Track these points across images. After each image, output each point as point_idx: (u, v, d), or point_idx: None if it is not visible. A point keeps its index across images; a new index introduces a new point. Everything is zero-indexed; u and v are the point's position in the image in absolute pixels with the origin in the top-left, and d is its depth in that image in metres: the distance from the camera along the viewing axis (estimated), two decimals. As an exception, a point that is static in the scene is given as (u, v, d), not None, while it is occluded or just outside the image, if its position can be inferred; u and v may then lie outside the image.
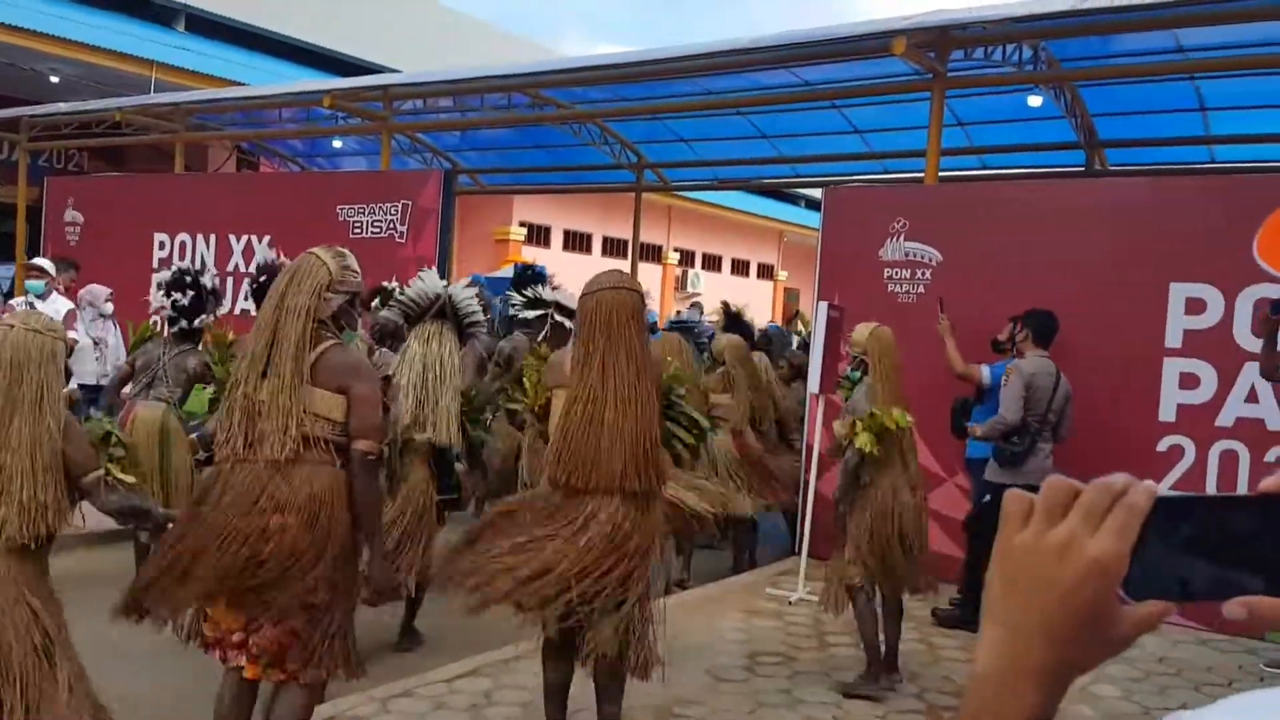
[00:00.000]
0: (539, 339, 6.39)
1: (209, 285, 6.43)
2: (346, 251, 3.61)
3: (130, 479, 3.45)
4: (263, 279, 6.32)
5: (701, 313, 12.02)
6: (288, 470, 3.30)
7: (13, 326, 3.23)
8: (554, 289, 6.90)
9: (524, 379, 4.88)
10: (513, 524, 3.79)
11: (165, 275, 6.43)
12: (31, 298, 8.39)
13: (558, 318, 6.50)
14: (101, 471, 3.33)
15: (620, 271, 4.06)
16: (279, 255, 6.72)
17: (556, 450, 3.73)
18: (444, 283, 6.16)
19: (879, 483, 5.00)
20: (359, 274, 3.60)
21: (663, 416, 3.91)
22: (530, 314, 6.61)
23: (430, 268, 6.62)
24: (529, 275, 7.58)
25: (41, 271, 8.62)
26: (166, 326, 6.44)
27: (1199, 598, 0.70)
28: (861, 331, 5.29)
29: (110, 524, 6.57)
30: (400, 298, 5.79)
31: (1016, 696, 0.69)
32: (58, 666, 3.05)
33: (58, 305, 8.44)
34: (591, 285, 3.89)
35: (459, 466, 6.06)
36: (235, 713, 3.50)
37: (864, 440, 4.97)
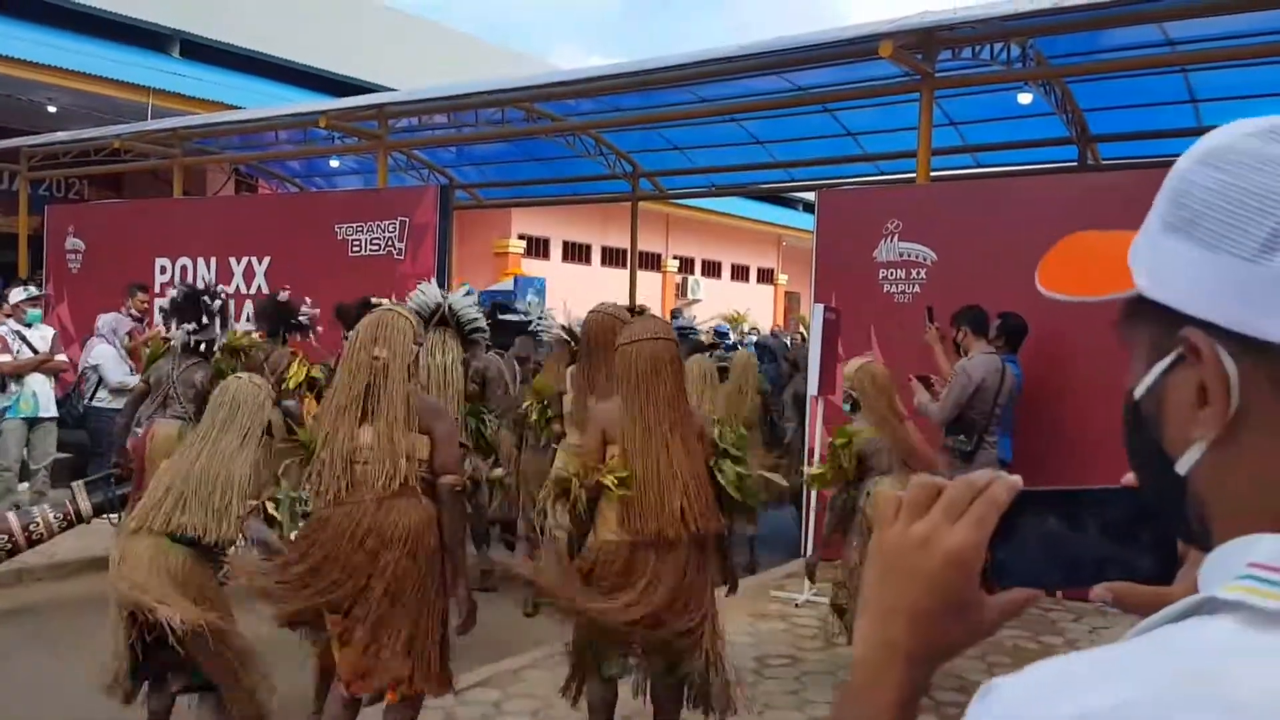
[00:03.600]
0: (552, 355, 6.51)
1: (215, 306, 6.48)
2: (409, 308, 4.06)
3: (279, 518, 4.00)
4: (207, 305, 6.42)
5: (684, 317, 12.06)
6: (388, 507, 3.60)
7: (241, 378, 4.14)
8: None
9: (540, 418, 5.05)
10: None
11: (170, 298, 6.49)
12: (17, 326, 8.41)
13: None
14: (257, 503, 3.88)
15: (655, 318, 4.21)
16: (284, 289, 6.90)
17: (627, 504, 3.78)
18: (442, 293, 6.26)
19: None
20: (421, 324, 4.07)
21: (716, 466, 3.97)
22: (556, 331, 6.72)
23: (430, 280, 6.72)
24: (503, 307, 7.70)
25: (35, 301, 8.70)
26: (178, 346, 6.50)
27: (1065, 585, 0.75)
28: (852, 366, 5.21)
29: (82, 554, 6.67)
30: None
31: (887, 678, 0.74)
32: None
33: (44, 331, 8.63)
34: (626, 336, 3.97)
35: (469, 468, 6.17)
36: None
37: (816, 472, 5.11)
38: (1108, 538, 0.74)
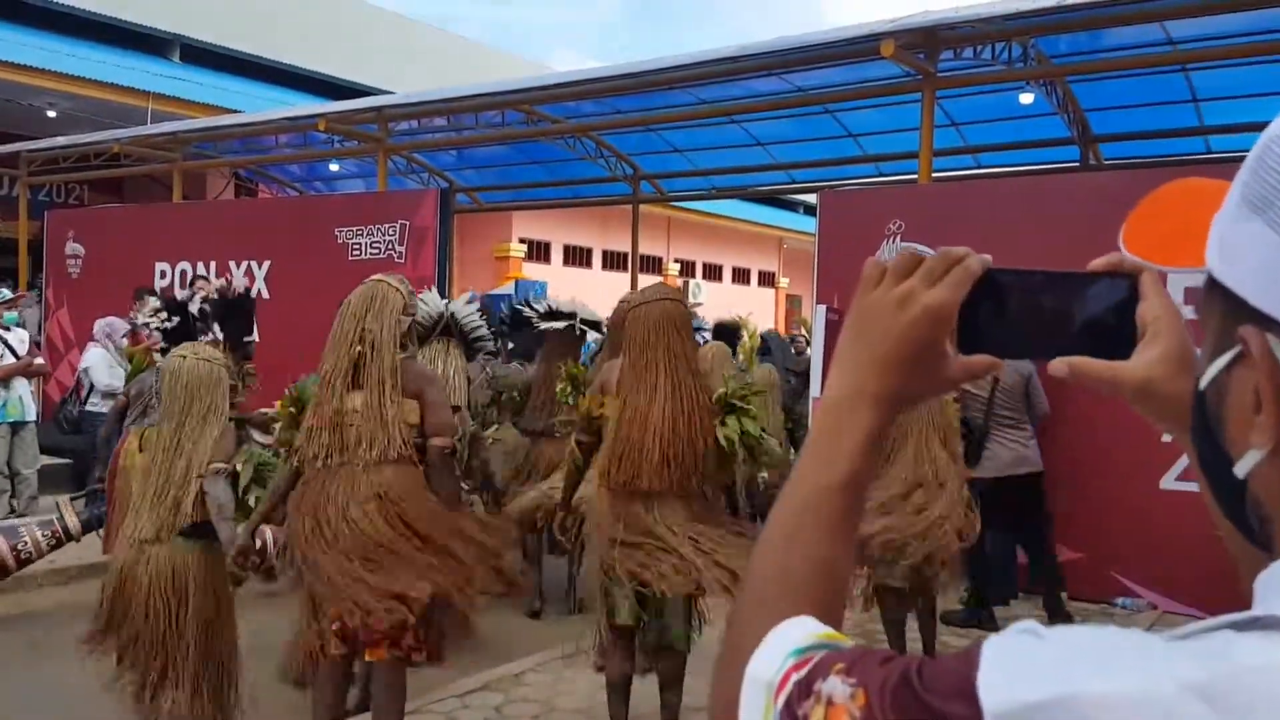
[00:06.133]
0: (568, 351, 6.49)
1: (195, 311, 6.40)
2: (404, 278, 4.01)
3: (241, 475, 4.06)
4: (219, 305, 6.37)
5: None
6: (380, 471, 3.67)
7: (185, 357, 3.88)
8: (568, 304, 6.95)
9: (563, 393, 5.13)
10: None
11: (152, 303, 6.43)
12: None
13: (584, 327, 6.64)
14: (226, 465, 3.86)
15: (664, 284, 4.28)
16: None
17: (609, 453, 3.94)
18: (445, 301, 6.23)
19: (885, 476, 4.82)
20: (415, 295, 4.07)
21: (723, 423, 4.02)
22: (558, 324, 6.66)
23: (430, 288, 6.69)
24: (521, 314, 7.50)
25: (10, 304, 8.66)
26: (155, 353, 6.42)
27: (1025, 355, 0.84)
28: None
29: (82, 561, 6.62)
30: None
31: (857, 416, 0.80)
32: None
33: (20, 334, 8.64)
34: (637, 297, 4.13)
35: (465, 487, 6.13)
36: (334, 697, 3.85)
37: None
38: (1070, 316, 0.80)
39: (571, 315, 6.66)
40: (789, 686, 0.66)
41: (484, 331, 6.44)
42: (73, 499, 5.85)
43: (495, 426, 6.90)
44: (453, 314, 6.22)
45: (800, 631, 0.71)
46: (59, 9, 15.35)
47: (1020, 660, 0.58)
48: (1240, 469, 0.64)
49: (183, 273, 11.03)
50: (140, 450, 3.96)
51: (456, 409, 4.15)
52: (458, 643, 4.83)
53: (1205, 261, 0.66)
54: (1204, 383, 0.67)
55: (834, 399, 0.82)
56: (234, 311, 6.53)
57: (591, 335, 7.13)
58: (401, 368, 3.78)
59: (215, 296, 6.47)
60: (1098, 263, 0.81)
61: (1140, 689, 0.53)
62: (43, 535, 5.79)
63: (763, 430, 4.18)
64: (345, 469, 3.68)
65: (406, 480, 3.69)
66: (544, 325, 6.71)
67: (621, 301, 5.12)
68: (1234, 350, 0.63)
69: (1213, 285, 0.66)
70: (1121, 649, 0.56)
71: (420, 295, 6.30)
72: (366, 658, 3.74)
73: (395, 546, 3.59)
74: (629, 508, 3.89)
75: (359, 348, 3.74)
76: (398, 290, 3.88)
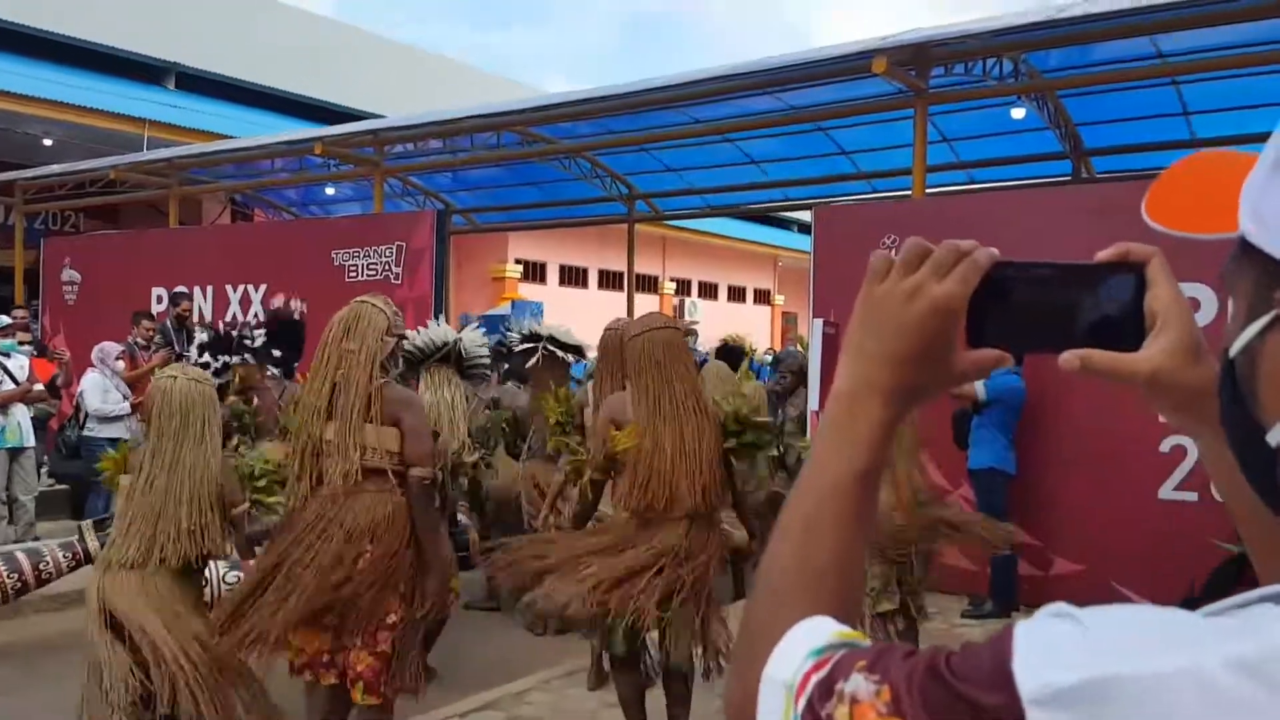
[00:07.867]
0: (528, 369, 6.48)
1: (257, 345, 6.40)
2: (388, 299, 3.92)
3: (273, 504, 3.93)
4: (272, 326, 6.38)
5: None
6: (352, 500, 3.58)
7: (176, 378, 3.75)
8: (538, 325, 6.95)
9: (555, 419, 5.14)
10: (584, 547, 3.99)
11: (204, 336, 6.42)
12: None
13: (551, 350, 6.57)
14: (247, 505, 3.80)
15: (660, 313, 4.34)
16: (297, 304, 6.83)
17: (633, 481, 3.92)
18: (455, 335, 6.19)
19: None
20: (402, 317, 3.93)
21: (728, 437, 4.08)
22: (525, 346, 6.63)
23: (439, 319, 6.70)
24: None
25: (6, 331, 8.61)
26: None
27: (1035, 349, 0.83)
28: None
29: (79, 586, 6.58)
30: (406, 346, 5.85)
31: (867, 408, 0.80)
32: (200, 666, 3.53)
33: (20, 360, 8.57)
34: (636, 326, 4.18)
35: (461, 518, 6.12)
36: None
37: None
38: (1078, 308, 0.79)
39: (536, 338, 6.63)
40: (810, 688, 0.65)
41: (485, 361, 6.44)
42: (95, 523, 5.87)
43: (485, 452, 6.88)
44: (460, 344, 6.17)
45: (818, 631, 0.70)
46: (55, 38, 15.42)
47: (1055, 644, 0.57)
48: (1274, 436, 0.63)
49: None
50: (125, 470, 3.84)
51: (436, 435, 4.08)
52: (427, 674, 4.84)
53: (1237, 228, 0.66)
54: (1235, 350, 0.67)
55: (844, 391, 0.81)
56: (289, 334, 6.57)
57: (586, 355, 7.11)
58: (381, 393, 3.68)
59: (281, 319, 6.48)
60: (1105, 253, 0.81)
61: (1181, 666, 0.52)
62: (64, 557, 5.83)
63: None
64: (319, 499, 3.63)
65: (379, 511, 3.61)
66: (518, 348, 6.71)
67: (609, 329, 5.14)
68: (1270, 315, 0.63)
69: (1245, 251, 0.65)
70: (1157, 627, 0.56)
71: (429, 323, 6.31)
72: (353, 698, 3.68)
73: (358, 580, 3.54)
74: (657, 532, 3.90)
75: (339, 371, 3.65)
76: (381, 311, 3.78)
